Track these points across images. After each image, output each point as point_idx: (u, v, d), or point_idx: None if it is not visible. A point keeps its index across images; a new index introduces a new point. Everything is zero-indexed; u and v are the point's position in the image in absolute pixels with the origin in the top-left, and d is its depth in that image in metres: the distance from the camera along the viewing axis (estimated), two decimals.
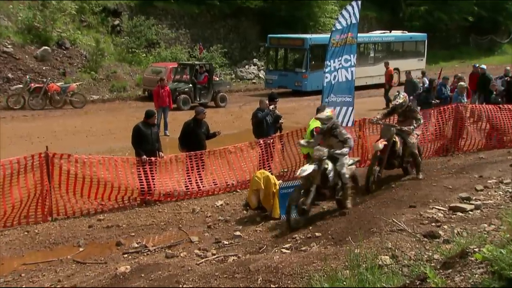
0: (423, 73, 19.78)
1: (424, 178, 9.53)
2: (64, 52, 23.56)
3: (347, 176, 8.05)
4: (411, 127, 9.46)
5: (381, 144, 9.22)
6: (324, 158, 7.79)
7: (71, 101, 20.31)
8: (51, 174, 8.72)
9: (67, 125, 15.12)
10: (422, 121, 9.87)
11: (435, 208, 7.32)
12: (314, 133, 9.12)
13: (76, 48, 24.12)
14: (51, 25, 23.49)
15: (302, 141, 8.75)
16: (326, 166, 7.82)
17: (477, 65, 17.60)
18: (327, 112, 8.40)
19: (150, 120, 9.95)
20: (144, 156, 9.56)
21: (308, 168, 7.75)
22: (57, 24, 23.94)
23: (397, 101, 9.75)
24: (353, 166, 8.64)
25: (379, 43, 28.10)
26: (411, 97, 15.49)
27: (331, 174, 7.86)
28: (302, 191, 7.82)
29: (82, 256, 7.48)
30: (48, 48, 22.83)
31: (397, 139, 9.37)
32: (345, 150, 7.95)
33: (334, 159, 7.94)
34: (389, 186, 9.49)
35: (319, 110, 9.60)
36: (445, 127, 12.54)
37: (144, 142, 9.75)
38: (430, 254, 5.00)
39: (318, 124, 9.17)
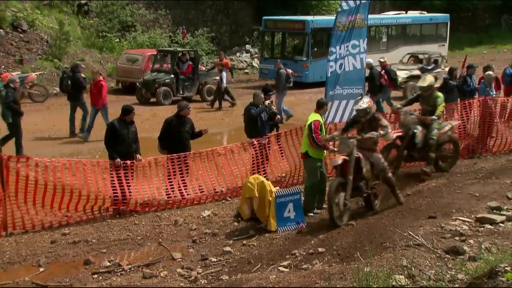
0: (222, 66, 20.56)
1: (446, 184, 9.56)
2: (21, 35, 23.47)
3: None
4: (376, 133, 8.62)
5: (340, 159, 8.48)
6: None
7: (30, 94, 20.24)
8: (6, 180, 8.67)
9: (25, 123, 15.00)
10: (389, 128, 9.06)
11: (459, 219, 7.37)
12: (312, 127, 9.14)
13: (36, 31, 24.03)
14: (4, 4, 23.40)
15: (330, 136, 9.28)
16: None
17: (383, 59, 17.85)
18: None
19: (127, 117, 9.95)
20: (118, 159, 9.55)
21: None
22: (11, 2, 23.84)
23: (361, 106, 8.83)
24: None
25: (393, 26, 28.19)
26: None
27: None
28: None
29: (43, 278, 7.45)
30: (1, 30, 22.74)
31: (360, 155, 8.52)
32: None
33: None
34: (404, 193, 9.53)
35: (321, 104, 9.61)
36: (470, 124, 12.60)
37: (119, 142, 9.75)
38: (453, 273, 5.03)
39: (317, 117, 9.26)
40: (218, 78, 20.35)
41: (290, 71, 19.22)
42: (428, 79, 10.65)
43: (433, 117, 10.11)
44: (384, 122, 8.88)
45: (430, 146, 10.15)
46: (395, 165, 10.11)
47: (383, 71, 17.20)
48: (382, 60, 17.81)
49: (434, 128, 10.18)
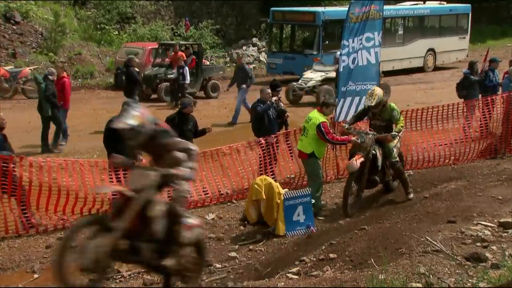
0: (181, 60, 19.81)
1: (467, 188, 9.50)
2: (14, 27, 23.59)
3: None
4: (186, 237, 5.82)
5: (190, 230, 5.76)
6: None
7: (23, 89, 20.32)
8: None
9: (18, 120, 15.12)
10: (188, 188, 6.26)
11: (481, 224, 7.32)
12: (322, 128, 9.20)
13: (30, 23, 24.14)
14: None
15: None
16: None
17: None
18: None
19: None
20: None
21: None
22: None
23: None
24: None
25: (410, 17, 28.12)
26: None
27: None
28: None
29: (37, 285, 7.48)
30: None
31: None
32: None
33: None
34: (421, 196, 9.52)
35: (327, 104, 9.67)
36: (493, 122, 12.55)
37: (119, 141, 9.75)
38: (474, 281, 5.01)
39: (323, 118, 9.33)
40: (174, 74, 19.62)
41: (250, 66, 19.13)
42: (375, 94, 9.43)
43: (394, 133, 9.38)
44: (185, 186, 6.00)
45: (397, 170, 9.59)
46: (356, 195, 9.44)
47: None
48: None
49: (392, 148, 9.50)
